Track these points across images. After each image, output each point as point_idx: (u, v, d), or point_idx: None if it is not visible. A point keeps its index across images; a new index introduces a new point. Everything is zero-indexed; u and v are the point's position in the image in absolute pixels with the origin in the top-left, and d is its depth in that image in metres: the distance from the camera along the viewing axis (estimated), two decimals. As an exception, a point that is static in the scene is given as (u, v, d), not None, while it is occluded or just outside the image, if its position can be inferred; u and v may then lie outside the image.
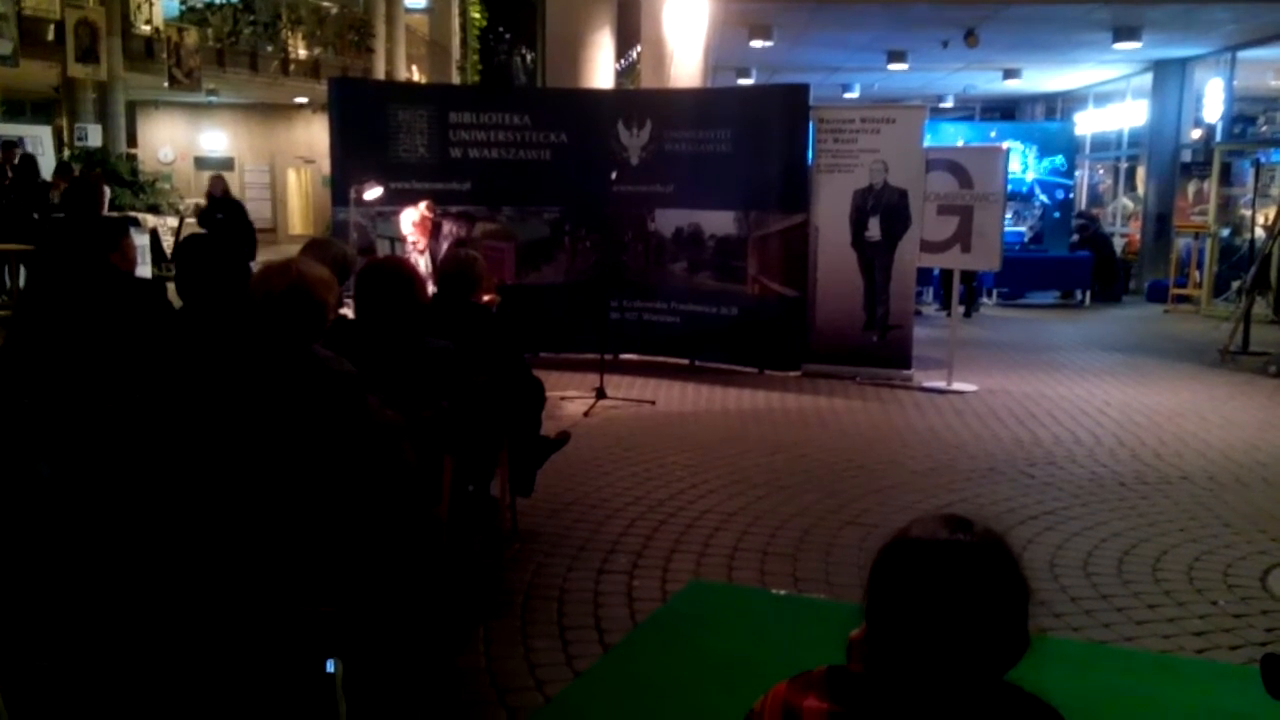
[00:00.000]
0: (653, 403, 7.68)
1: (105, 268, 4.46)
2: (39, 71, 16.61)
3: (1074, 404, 7.82)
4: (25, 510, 2.72)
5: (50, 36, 16.37)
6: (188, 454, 2.60)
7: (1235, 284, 12.36)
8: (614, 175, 8.70)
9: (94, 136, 16.93)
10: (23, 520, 2.69)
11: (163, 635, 2.48)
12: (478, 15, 22.42)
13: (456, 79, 21.81)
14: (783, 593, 4.19)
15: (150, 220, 14.86)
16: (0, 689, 1.87)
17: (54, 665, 2.46)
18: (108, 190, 11.55)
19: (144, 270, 11.44)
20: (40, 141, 15.35)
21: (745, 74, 19.24)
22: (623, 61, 15.83)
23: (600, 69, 12.03)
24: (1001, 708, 1.35)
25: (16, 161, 12.64)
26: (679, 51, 12.26)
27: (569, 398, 7.59)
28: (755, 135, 8.73)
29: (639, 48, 14.08)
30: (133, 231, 5.11)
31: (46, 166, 13.85)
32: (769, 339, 8.84)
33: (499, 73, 22.87)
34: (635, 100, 10.30)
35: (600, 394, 7.58)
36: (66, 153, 16.33)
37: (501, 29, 22.92)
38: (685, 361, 9.14)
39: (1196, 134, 16.32)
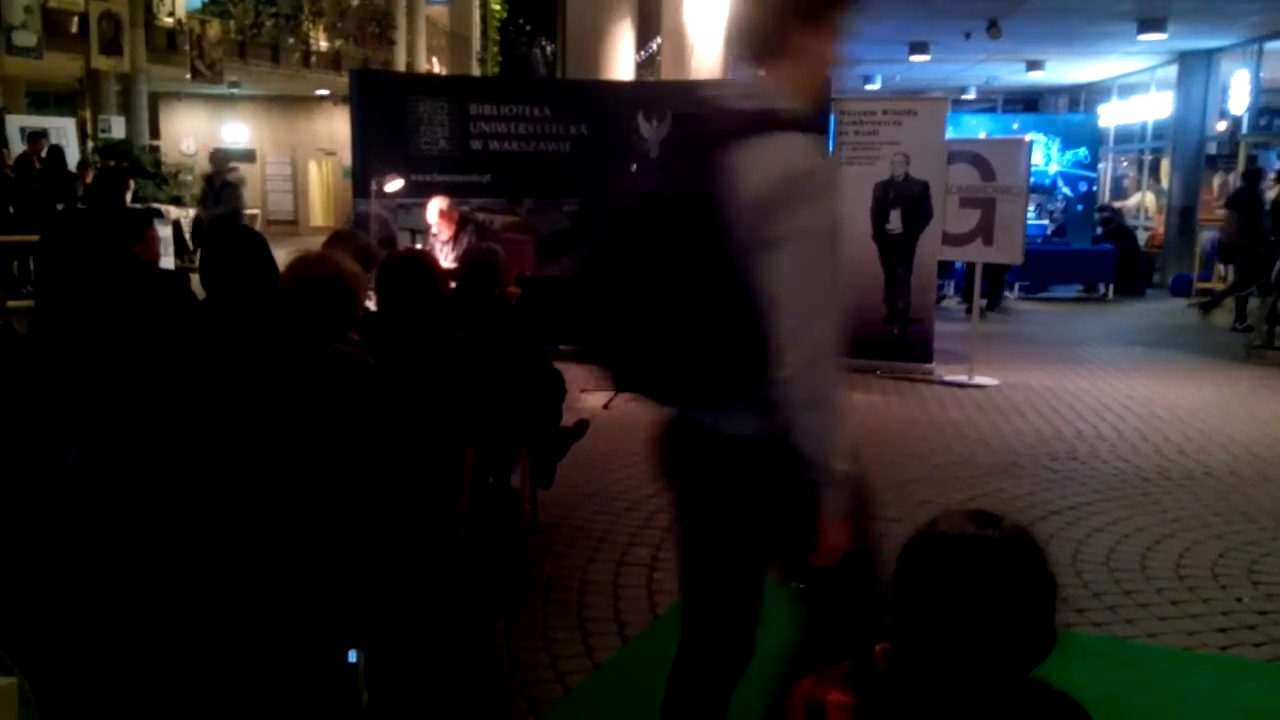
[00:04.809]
0: (672, 395, 7.67)
1: (129, 259, 4.49)
2: (63, 64, 16.73)
3: (1096, 398, 7.77)
4: (52, 498, 2.74)
5: (74, 29, 16.50)
6: (209, 446, 2.61)
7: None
8: (634, 167, 8.67)
9: (117, 128, 17.06)
10: (49, 508, 2.71)
11: (186, 625, 2.50)
12: (498, 7, 22.44)
13: (477, 71, 21.84)
14: (803, 586, 4.18)
15: (173, 212, 14.96)
16: (26, 676, 1.89)
17: (79, 654, 2.48)
18: (131, 182, 11.60)
19: (167, 262, 11.51)
20: (64, 133, 15.47)
21: (766, 65, 19.14)
22: (643, 53, 15.81)
23: (621, 60, 12.02)
24: (1028, 704, 1.34)
25: (44, 154, 12.76)
26: (700, 43, 12.24)
27: (588, 390, 7.60)
28: (776, 127, 8.68)
29: (659, 39, 14.07)
30: (156, 223, 5.15)
31: (71, 159, 13.96)
32: (789, 332, 8.80)
33: (519, 64, 22.90)
34: (656, 92, 10.28)
35: (620, 386, 7.57)
36: (90, 144, 16.45)
37: (522, 20, 22.94)
38: (705, 354, 9.11)
39: (1222, 126, 16.16)
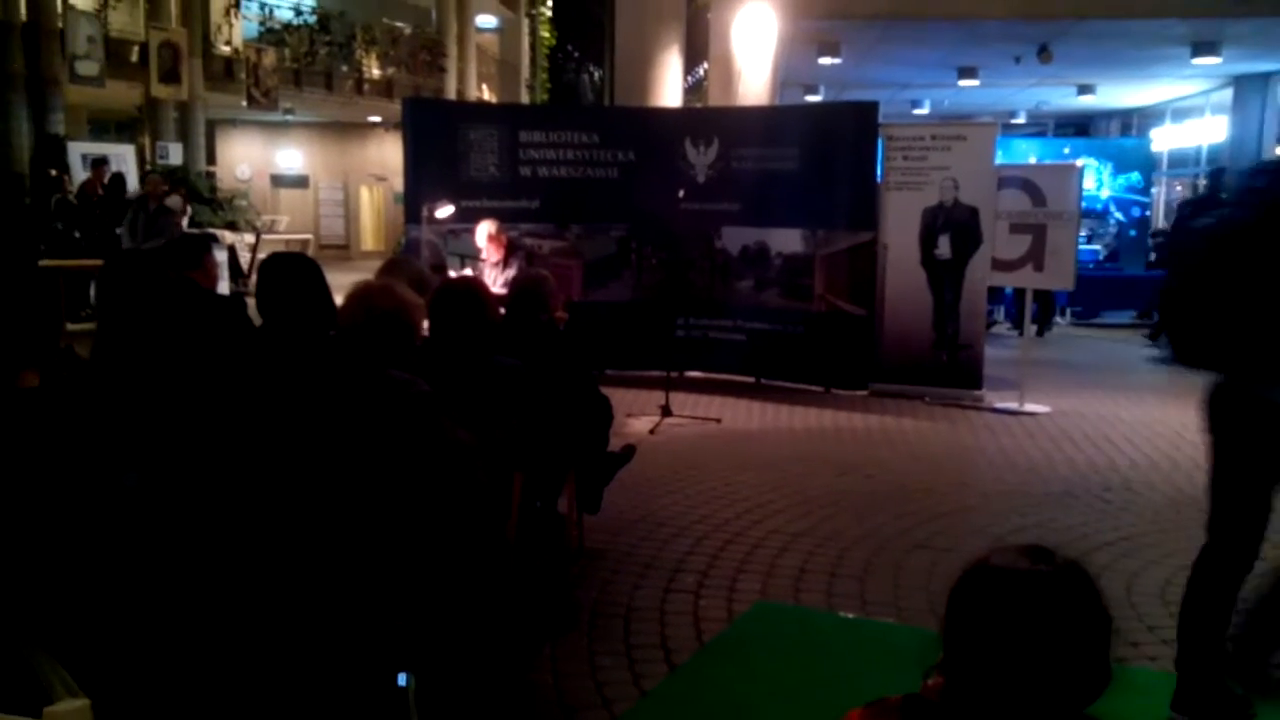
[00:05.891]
0: (718, 421, 7.67)
1: (187, 284, 4.59)
2: (124, 92, 17.19)
3: (1150, 426, 7.64)
4: (111, 520, 2.80)
5: (135, 58, 16.97)
6: (266, 469, 2.66)
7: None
8: (681, 193, 8.73)
9: (175, 155, 17.45)
10: (109, 529, 2.77)
11: (239, 646, 2.53)
12: (547, 34, 22.72)
13: (526, 97, 22.10)
14: (850, 615, 4.16)
15: (228, 237, 15.24)
16: (87, 693, 1.93)
17: (136, 674, 2.52)
18: (189, 208, 11.72)
19: (222, 286, 11.70)
20: (124, 160, 15.86)
21: (813, 90, 19.18)
22: (690, 79, 15.90)
23: (668, 86, 12.10)
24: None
25: (107, 180, 13.07)
26: (747, 69, 12.28)
27: (635, 415, 7.61)
28: (823, 153, 8.70)
29: (707, 65, 14.13)
30: (213, 248, 5.24)
31: (130, 185, 14.29)
32: (836, 357, 8.78)
33: (568, 91, 23.13)
34: (703, 118, 10.33)
35: (666, 412, 7.59)
36: (149, 170, 16.84)
37: (570, 48, 23.18)
38: (751, 380, 9.12)
39: (1279, 150, 15.92)
